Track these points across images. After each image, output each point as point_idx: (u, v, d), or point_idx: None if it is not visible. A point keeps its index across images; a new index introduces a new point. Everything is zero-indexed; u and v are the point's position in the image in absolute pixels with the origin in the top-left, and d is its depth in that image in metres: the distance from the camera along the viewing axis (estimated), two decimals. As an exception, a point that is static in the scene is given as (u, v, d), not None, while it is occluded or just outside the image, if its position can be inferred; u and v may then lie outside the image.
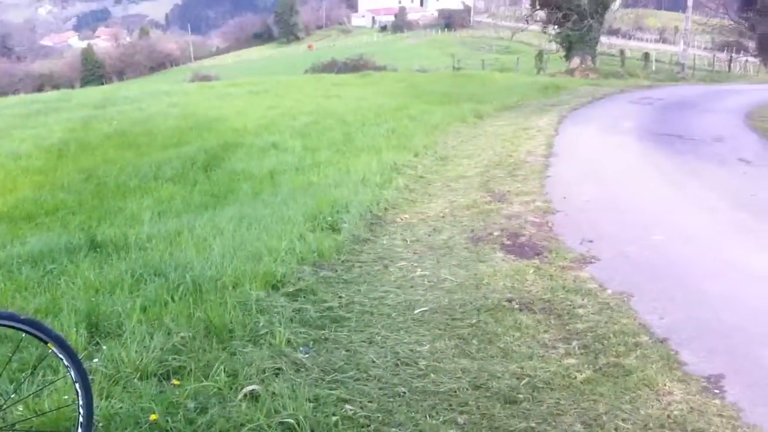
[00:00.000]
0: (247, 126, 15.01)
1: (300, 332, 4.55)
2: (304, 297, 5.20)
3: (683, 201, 8.58)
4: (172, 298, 4.88)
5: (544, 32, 38.38)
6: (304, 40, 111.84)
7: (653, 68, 43.85)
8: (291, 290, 5.26)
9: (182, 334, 4.29)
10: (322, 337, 4.53)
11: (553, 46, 38.91)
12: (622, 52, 47.73)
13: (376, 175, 9.46)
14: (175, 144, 13.94)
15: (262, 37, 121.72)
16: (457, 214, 7.90)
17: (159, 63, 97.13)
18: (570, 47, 34.45)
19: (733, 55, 53.93)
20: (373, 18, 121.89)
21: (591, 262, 6.18)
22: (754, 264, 6.14)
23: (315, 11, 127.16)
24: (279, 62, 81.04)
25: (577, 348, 4.42)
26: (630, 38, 78.75)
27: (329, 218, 7.27)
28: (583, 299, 5.26)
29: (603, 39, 44.78)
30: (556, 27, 35.14)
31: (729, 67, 48.90)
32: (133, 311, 4.60)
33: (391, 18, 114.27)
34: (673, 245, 6.69)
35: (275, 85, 23.93)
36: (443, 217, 7.85)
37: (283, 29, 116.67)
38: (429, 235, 7.14)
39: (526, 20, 38.78)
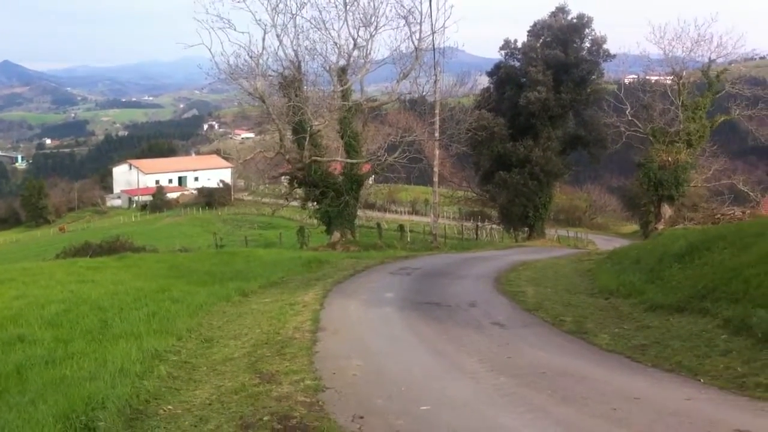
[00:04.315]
0: (-12, 319, 13.71)
1: None
2: None
3: (446, 368, 8.84)
4: None
5: (304, 208, 39.62)
6: (56, 223, 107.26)
7: (409, 239, 46.44)
8: None
9: None
10: None
11: (314, 221, 40.18)
12: (378, 224, 50.23)
13: (136, 363, 8.92)
14: None
15: (8, 221, 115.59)
16: (225, 400, 7.56)
17: None
18: (330, 222, 35.62)
19: (479, 223, 58.90)
20: (130, 198, 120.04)
21: (364, 440, 6.11)
22: (516, 427, 6.37)
23: (66, 193, 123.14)
24: (27, 247, 76.57)
25: None
26: (386, 211, 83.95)
27: (83, 417, 6.67)
28: (358, 482, 5.13)
29: (360, 213, 47.01)
30: (314, 203, 36.36)
31: (476, 234, 53.04)
32: None
33: (149, 198, 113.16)
34: (441, 414, 6.80)
35: (21, 272, 22.25)
36: (210, 404, 7.47)
37: (31, 213, 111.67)
38: (195, 426, 6.74)
39: (286, 198, 39.90)
